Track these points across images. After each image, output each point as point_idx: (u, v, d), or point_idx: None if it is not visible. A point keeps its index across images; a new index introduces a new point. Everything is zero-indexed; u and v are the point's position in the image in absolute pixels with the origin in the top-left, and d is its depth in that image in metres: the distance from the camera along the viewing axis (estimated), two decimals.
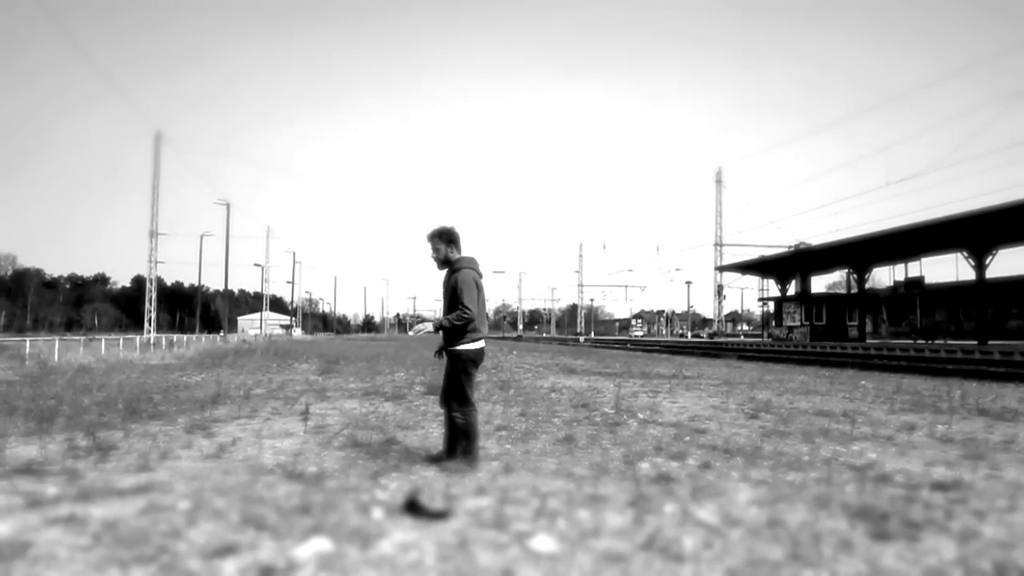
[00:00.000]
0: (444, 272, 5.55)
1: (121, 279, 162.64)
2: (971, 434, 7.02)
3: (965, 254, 37.49)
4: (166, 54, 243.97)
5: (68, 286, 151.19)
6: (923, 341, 41.14)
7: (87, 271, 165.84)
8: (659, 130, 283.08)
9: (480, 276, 5.48)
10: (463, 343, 5.34)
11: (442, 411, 5.58)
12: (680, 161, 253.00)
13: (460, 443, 5.31)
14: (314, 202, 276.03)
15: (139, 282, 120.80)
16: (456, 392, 5.34)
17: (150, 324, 57.77)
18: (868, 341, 45.25)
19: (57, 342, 24.14)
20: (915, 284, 43.91)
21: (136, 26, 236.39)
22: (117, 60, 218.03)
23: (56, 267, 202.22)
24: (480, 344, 5.45)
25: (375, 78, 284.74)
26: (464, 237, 5.57)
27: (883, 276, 63.96)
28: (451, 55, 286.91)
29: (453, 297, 5.33)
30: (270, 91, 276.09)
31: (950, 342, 39.01)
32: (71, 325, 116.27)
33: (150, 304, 58.79)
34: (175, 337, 41.13)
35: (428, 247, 5.53)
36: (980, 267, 36.65)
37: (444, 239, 5.48)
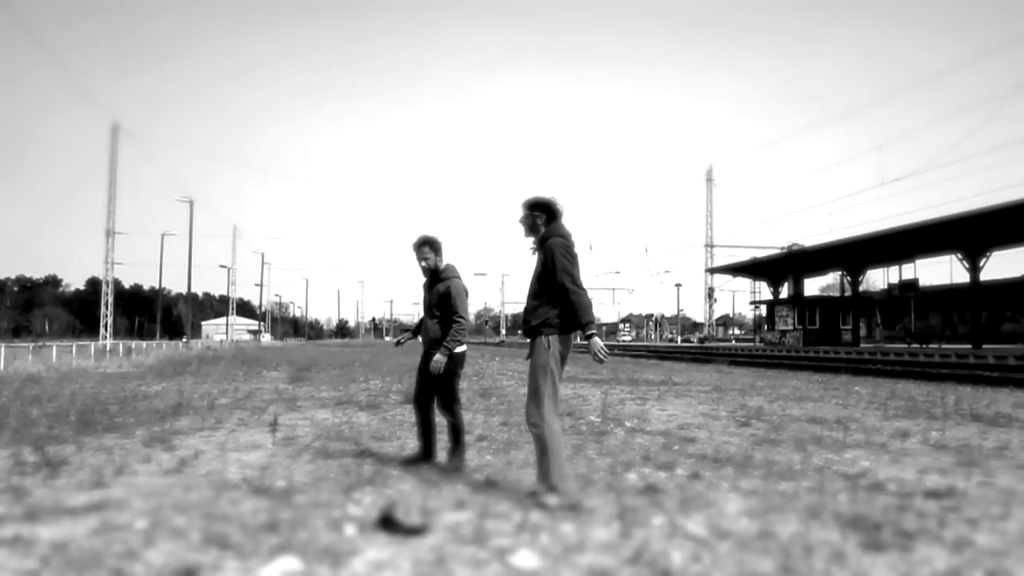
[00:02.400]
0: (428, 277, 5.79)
1: (74, 281, 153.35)
2: (965, 440, 6.97)
3: (960, 256, 37.62)
4: (125, 47, 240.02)
5: (16, 288, 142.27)
6: (917, 345, 41.24)
7: (37, 272, 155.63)
8: (648, 127, 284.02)
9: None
10: (458, 346, 5.60)
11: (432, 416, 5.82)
12: (669, 159, 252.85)
13: (452, 442, 5.53)
14: (285, 200, 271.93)
15: (94, 284, 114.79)
16: (451, 394, 5.60)
17: (106, 330, 55.64)
18: (862, 345, 45.36)
19: (3, 349, 22.69)
20: (909, 287, 43.97)
21: (89, 16, 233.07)
22: (70, 51, 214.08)
23: (2, 268, 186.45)
24: (465, 347, 5.74)
25: (351, 76, 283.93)
26: (444, 238, 5.78)
27: (877, 278, 64.10)
28: (432, 53, 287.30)
29: (445, 304, 5.56)
30: (238, 86, 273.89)
31: (944, 346, 39.09)
32: (19, 331, 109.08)
33: (106, 308, 56.49)
34: (134, 344, 39.12)
35: (416, 255, 5.72)
36: (974, 269, 36.78)
37: (433, 248, 5.69)
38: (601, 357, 4.50)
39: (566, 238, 4.68)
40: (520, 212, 4.80)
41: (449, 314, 5.57)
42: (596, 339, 4.48)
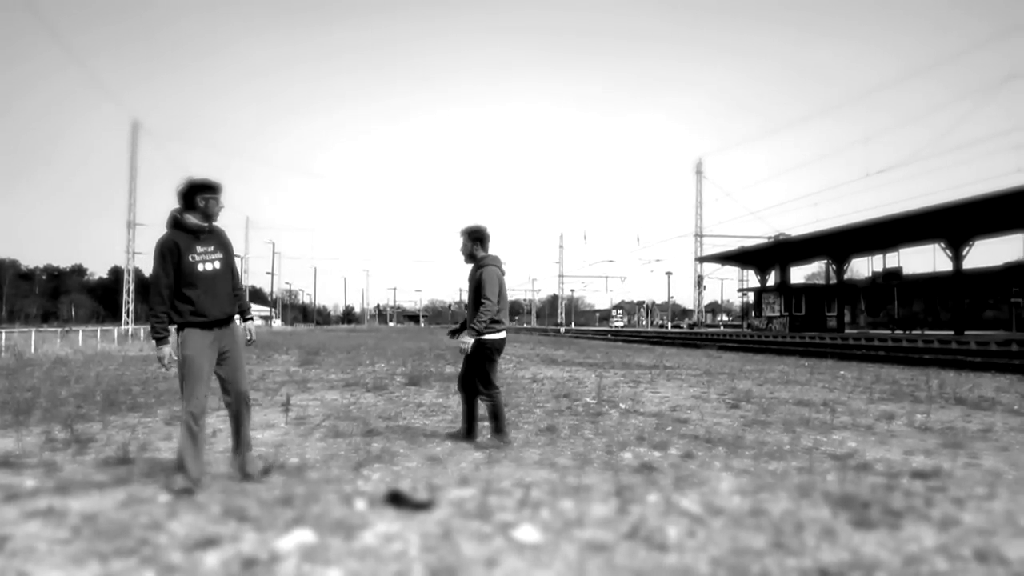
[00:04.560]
0: (470, 267, 6.05)
1: (98, 270, 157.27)
2: (949, 423, 7.09)
3: (943, 245, 37.85)
4: (149, 45, 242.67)
5: (44, 277, 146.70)
6: (901, 331, 41.53)
7: (64, 262, 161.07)
8: (640, 121, 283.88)
9: (503, 273, 5.95)
10: (489, 333, 5.80)
11: (459, 396, 6.29)
12: (661, 152, 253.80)
13: (491, 423, 5.84)
14: (294, 192, 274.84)
15: (116, 273, 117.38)
16: (483, 378, 5.83)
17: (128, 315, 57.17)
18: (847, 331, 45.60)
19: (33, 334, 23.70)
20: (893, 275, 44.18)
21: (118, 16, 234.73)
22: (95, 50, 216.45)
23: (32, 258, 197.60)
24: (503, 335, 5.96)
25: (361, 78, 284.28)
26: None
27: (861, 267, 64.37)
28: (430, 45, 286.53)
29: (477, 291, 5.82)
30: (251, 81, 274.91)
31: (927, 332, 39.39)
32: (47, 317, 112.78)
33: (128, 295, 58.19)
34: None
35: (460, 241, 6.04)
36: (957, 258, 37.04)
37: (473, 237, 5.97)
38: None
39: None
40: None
41: (480, 298, 5.83)
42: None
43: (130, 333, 35.35)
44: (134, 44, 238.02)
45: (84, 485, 4.28)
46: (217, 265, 4.46)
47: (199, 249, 4.39)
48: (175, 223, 4.41)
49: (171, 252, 4.32)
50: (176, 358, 4.33)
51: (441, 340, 24.52)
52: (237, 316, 4.67)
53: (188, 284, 4.33)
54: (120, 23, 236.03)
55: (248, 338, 4.93)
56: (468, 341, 5.77)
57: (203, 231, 4.45)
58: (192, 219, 4.41)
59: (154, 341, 4.42)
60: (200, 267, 4.37)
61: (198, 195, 4.42)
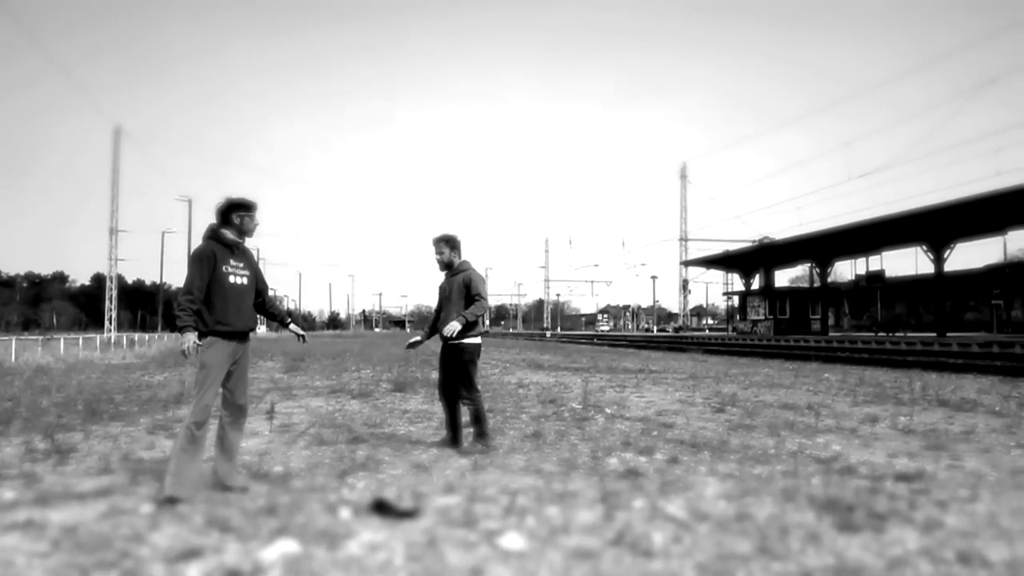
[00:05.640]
0: (444, 273, 6.13)
1: (80, 277, 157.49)
2: (932, 425, 7.14)
3: (924, 248, 38.24)
4: (131, 51, 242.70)
5: (25, 284, 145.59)
6: (884, 334, 41.86)
7: (45, 269, 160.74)
8: (625, 126, 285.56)
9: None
10: (471, 337, 5.88)
11: (439, 404, 6.24)
12: (645, 156, 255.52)
13: (474, 427, 5.88)
14: (277, 198, 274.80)
15: (99, 280, 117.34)
16: (467, 382, 5.88)
17: (111, 323, 56.94)
18: (830, 334, 45.95)
19: (14, 342, 23.28)
20: (876, 278, 44.57)
21: (99, 22, 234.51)
22: (77, 57, 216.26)
23: (12, 265, 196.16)
24: (480, 339, 6.05)
25: (339, 74, 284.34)
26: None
27: (845, 270, 64.93)
28: (414, 49, 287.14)
29: (464, 294, 5.90)
30: (234, 86, 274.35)
31: (910, 334, 39.72)
32: (28, 324, 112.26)
33: (110, 302, 57.98)
34: (137, 336, 40.03)
35: (432, 249, 6.09)
36: (939, 260, 37.42)
37: (452, 245, 6.05)
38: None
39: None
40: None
41: (471, 298, 5.89)
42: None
43: (112, 341, 35.06)
44: (116, 50, 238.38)
45: (64, 496, 4.23)
46: (245, 281, 4.67)
47: (232, 262, 4.61)
48: (212, 235, 4.62)
49: (208, 259, 4.49)
50: (200, 344, 4.43)
51: (427, 346, 24.41)
52: (269, 323, 4.90)
53: (217, 294, 4.48)
54: (101, 29, 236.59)
55: (302, 338, 5.30)
56: (456, 326, 5.74)
57: (237, 246, 4.67)
58: (228, 234, 4.64)
59: (178, 331, 4.48)
60: (231, 279, 4.56)
61: (234, 212, 4.67)
